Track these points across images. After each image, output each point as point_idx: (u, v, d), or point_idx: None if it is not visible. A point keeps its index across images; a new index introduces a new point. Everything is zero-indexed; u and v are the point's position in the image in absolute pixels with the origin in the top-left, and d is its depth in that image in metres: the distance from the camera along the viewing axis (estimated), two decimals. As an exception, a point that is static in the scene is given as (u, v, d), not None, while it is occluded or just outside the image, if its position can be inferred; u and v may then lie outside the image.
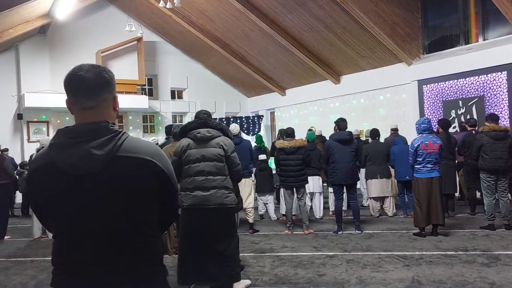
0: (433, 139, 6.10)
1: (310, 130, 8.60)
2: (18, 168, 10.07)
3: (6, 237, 7.47)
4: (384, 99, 12.30)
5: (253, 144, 8.54)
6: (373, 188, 7.87)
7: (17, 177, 9.72)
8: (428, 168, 6.05)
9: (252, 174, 7.60)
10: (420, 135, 6.15)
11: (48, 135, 13.06)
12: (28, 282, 4.88)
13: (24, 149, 13.09)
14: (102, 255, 1.40)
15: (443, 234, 6.22)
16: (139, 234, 1.45)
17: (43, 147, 7.46)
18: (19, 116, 13.27)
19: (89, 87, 1.45)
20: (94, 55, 13.88)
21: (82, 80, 1.44)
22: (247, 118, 15.72)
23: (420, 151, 6.02)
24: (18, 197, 10.53)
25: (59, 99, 11.69)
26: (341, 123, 6.75)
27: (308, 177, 7.09)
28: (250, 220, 6.99)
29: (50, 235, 6.64)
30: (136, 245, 1.44)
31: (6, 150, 10.80)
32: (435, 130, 7.69)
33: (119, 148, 1.41)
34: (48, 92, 12.69)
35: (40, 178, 1.46)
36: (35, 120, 13.48)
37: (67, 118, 13.36)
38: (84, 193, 1.39)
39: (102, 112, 1.47)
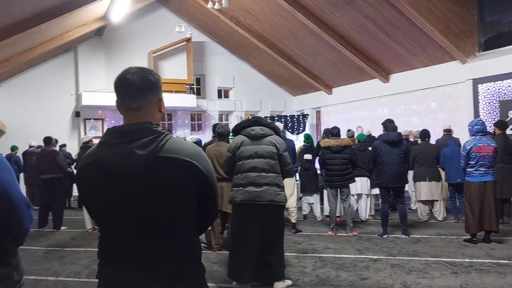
0: (487, 141, 5.81)
1: (348, 131, 8.38)
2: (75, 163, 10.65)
3: (62, 228, 7.95)
4: (436, 98, 11.83)
5: (301, 143, 8.53)
6: (422, 191, 7.63)
7: (75, 171, 10.30)
8: (481, 172, 5.78)
9: (296, 174, 7.59)
10: (473, 137, 5.88)
11: (102, 132, 13.72)
12: (81, 271, 5.18)
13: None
14: (141, 251, 1.47)
15: (497, 241, 5.92)
16: (177, 233, 1.51)
17: (83, 143, 7.98)
18: (77, 114, 14.05)
19: (135, 89, 1.52)
20: (146, 55, 14.40)
21: (128, 82, 1.53)
22: (292, 117, 15.68)
23: (473, 153, 5.76)
24: (75, 189, 11.14)
25: (114, 98, 12.16)
26: (388, 124, 6.58)
27: (356, 178, 7.00)
28: (293, 220, 6.99)
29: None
30: (174, 243, 1.50)
31: (64, 145, 11.49)
32: (490, 131, 7.33)
33: (161, 148, 1.47)
34: (103, 91, 13.32)
35: (87, 175, 1.55)
36: (91, 117, 14.21)
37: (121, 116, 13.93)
38: (126, 191, 1.47)
39: (147, 114, 1.54)
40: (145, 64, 14.14)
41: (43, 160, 7.95)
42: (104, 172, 1.48)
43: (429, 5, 9.55)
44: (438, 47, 10.57)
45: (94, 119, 14.26)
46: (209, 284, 4.35)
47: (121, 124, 1.57)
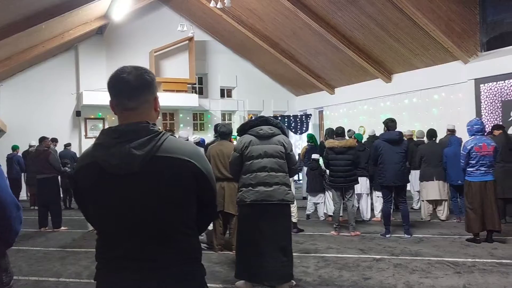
0: (487, 141, 5.80)
1: (349, 131, 8.36)
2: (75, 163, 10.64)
3: (62, 228, 7.92)
4: (438, 98, 11.80)
5: (305, 143, 8.50)
6: (429, 191, 7.59)
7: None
8: (482, 171, 5.75)
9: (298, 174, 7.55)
10: (472, 137, 5.86)
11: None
12: (82, 272, 5.16)
13: (82, 145, 13.82)
14: (139, 253, 1.45)
15: (499, 241, 5.90)
16: (176, 233, 1.49)
17: None
18: (78, 113, 14.04)
19: (130, 89, 1.49)
20: (148, 54, 14.39)
21: (123, 82, 1.49)
22: (295, 116, 15.66)
23: (473, 153, 5.74)
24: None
25: (115, 97, 12.19)
26: (390, 123, 6.55)
27: (356, 178, 6.97)
28: (294, 220, 6.95)
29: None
30: (173, 244, 1.48)
31: (69, 145, 11.47)
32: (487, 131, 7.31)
33: (159, 148, 1.45)
34: (104, 90, 13.08)
35: (84, 177, 1.52)
36: (92, 117, 14.20)
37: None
38: (124, 192, 1.44)
39: (143, 113, 1.51)
40: (147, 63, 14.14)
41: (37, 160, 7.94)
42: (101, 173, 1.45)
43: (431, 5, 9.53)
44: (440, 47, 10.55)
45: (95, 119, 14.22)
46: (211, 285, 4.33)
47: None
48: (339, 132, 6.95)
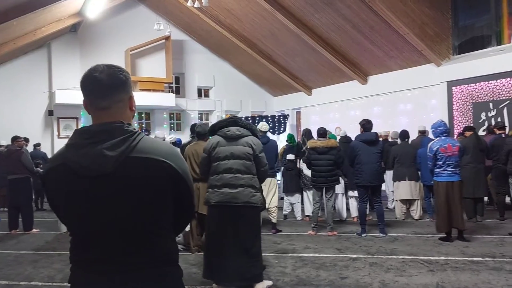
0: (451, 141, 5.97)
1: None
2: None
3: (34, 230, 7.70)
4: (412, 100, 12.06)
5: (284, 143, 8.53)
6: (401, 191, 7.75)
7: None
8: (448, 172, 5.91)
9: (278, 174, 7.58)
10: (437, 138, 6.02)
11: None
12: (55, 275, 5.03)
13: (54, 145, 13.50)
14: (114, 255, 1.42)
15: (470, 239, 6.06)
16: (151, 235, 1.46)
17: None
18: (50, 113, 13.69)
19: (104, 88, 1.45)
20: (123, 53, 14.17)
21: (96, 81, 1.46)
22: (273, 117, 15.71)
23: (439, 154, 5.89)
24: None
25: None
26: (366, 125, 6.66)
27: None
28: (274, 220, 6.99)
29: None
30: (149, 245, 1.45)
31: (39, 145, 11.17)
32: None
33: (133, 149, 1.42)
34: (78, 89, 12.84)
35: (55, 178, 1.48)
36: (66, 116, 13.86)
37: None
38: (97, 194, 1.41)
39: (116, 113, 1.47)
40: (122, 61, 13.93)
41: (8, 160, 7.70)
42: (72, 174, 1.41)
43: (405, 8, 9.73)
44: (414, 50, 10.79)
45: (68, 118, 13.90)
46: (188, 286, 4.30)
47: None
48: (321, 132, 7.02)
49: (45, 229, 7.84)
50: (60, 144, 12.63)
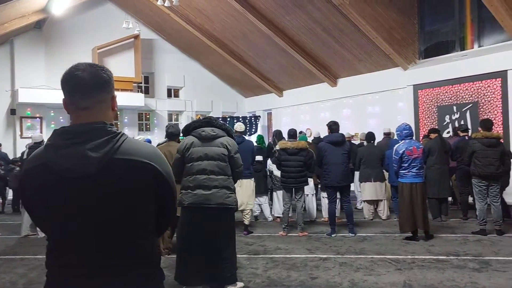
0: (416, 144, 6.17)
1: (300, 132, 8.53)
2: (10, 164, 9.98)
3: (-5, 234, 7.39)
4: (380, 103, 12.35)
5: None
6: (367, 191, 7.91)
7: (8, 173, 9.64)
8: (413, 173, 6.09)
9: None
10: (402, 141, 6.18)
11: (41, 131, 12.96)
12: (17, 281, 4.83)
13: (16, 145, 12.99)
14: (95, 258, 1.38)
15: (435, 238, 6.25)
16: (134, 237, 1.43)
17: (35, 143, 7.43)
18: (12, 112, 13.17)
19: (86, 87, 1.41)
20: (91, 51, 13.83)
21: (78, 79, 1.41)
22: (244, 118, 15.71)
23: (405, 157, 6.05)
24: (9, 193, 10.44)
25: (54, 95, 11.62)
26: (333, 126, 6.78)
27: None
28: (246, 222, 6.97)
29: (41, 233, 6.58)
30: (131, 248, 1.42)
31: (-1, 145, 10.73)
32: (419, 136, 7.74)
33: (117, 150, 1.39)
34: (42, 88, 12.60)
35: (33, 179, 1.42)
36: (29, 115, 13.39)
37: (61, 116, 13.34)
38: (79, 196, 1.36)
39: (98, 113, 1.44)
40: (90, 60, 13.54)
41: None
42: (51, 176, 1.36)
43: (374, 13, 9.94)
44: (382, 53, 11.04)
45: (32, 117, 13.43)
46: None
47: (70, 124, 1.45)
48: (291, 134, 7.07)
49: (7, 233, 7.53)
50: (22, 144, 12.13)
